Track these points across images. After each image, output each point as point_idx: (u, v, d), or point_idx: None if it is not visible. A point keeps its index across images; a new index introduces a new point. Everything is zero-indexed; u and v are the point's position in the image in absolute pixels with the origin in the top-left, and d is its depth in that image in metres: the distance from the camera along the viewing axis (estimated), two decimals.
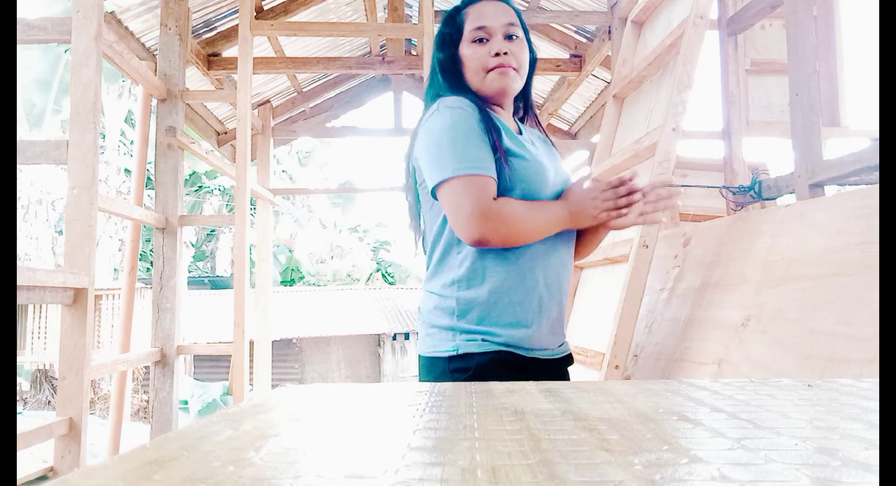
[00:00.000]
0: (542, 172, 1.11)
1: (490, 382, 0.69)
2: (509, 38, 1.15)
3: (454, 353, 1.06)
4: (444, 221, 1.10)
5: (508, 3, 1.20)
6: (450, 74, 1.17)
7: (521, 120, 1.27)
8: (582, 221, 1.09)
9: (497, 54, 1.13)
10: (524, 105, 1.27)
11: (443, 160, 1.05)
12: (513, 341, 1.07)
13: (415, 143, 1.14)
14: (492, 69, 1.13)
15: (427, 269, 1.16)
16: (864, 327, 1.16)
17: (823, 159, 2.00)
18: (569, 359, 1.20)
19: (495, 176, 1.05)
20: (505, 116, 1.20)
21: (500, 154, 1.06)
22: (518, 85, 1.17)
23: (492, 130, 1.08)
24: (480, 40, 1.14)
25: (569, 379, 1.19)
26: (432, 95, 1.19)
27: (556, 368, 1.14)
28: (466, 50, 1.16)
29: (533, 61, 1.22)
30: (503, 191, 1.07)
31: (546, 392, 0.60)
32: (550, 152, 1.22)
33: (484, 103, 1.15)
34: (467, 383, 0.69)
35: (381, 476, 0.32)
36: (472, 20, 1.16)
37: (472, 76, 1.16)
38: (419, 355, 1.15)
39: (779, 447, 0.37)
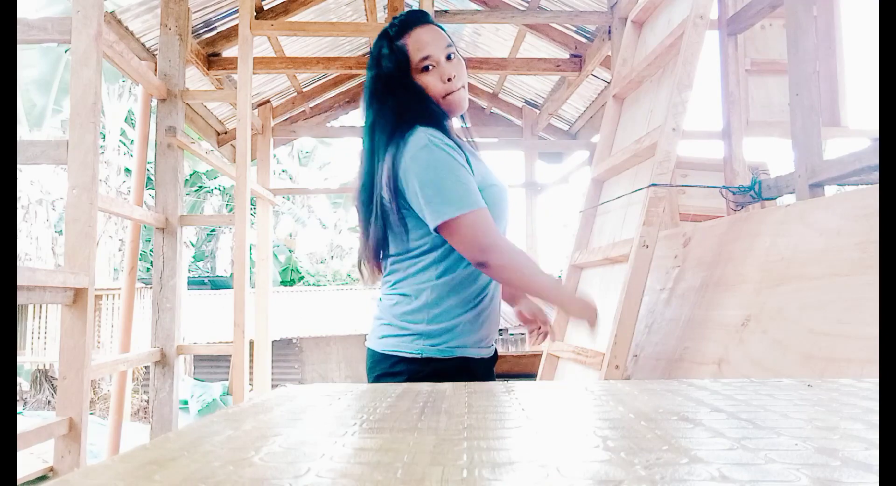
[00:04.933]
0: (504, 197, 1.31)
1: (481, 382, 0.69)
2: (448, 58, 1.26)
3: (418, 356, 1.21)
4: (434, 239, 1.23)
5: (435, 24, 1.30)
6: (414, 102, 1.25)
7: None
8: (567, 304, 1.45)
9: (449, 79, 1.25)
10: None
11: (451, 196, 1.18)
12: (470, 353, 1.25)
13: (403, 172, 1.21)
14: (448, 94, 1.26)
15: (392, 271, 1.29)
16: (864, 327, 1.16)
17: (823, 159, 2.00)
18: (496, 356, 1.39)
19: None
20: (456, 129, 1.34)
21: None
22: (467, 101, 1.31)
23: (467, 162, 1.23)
24: (426, 68, 1.25)
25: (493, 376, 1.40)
26: (400, 124, 1.24)
27: (490, 365, 1.36)
28: (420, 78, 1.26)
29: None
30: None
31: (546, 392, 0.60)
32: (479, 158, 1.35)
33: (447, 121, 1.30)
34: (467, 383, 0.69)
35: (382, 476, 0.32)
36: (414, 50, 1.25)
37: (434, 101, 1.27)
38: (370, 349, 1.28)
39: (779, 447, 0.37)
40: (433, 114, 1.25)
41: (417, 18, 1.28)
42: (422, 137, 1.20)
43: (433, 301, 1.22)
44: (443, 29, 1.30)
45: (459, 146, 1.25)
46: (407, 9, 4.89)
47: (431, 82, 1.25)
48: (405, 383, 0.70)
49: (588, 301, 1.48)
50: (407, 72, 1.25)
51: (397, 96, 1.26)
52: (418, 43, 1.25)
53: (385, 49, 1.26)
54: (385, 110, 1.26)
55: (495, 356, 1.38)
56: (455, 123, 1.35)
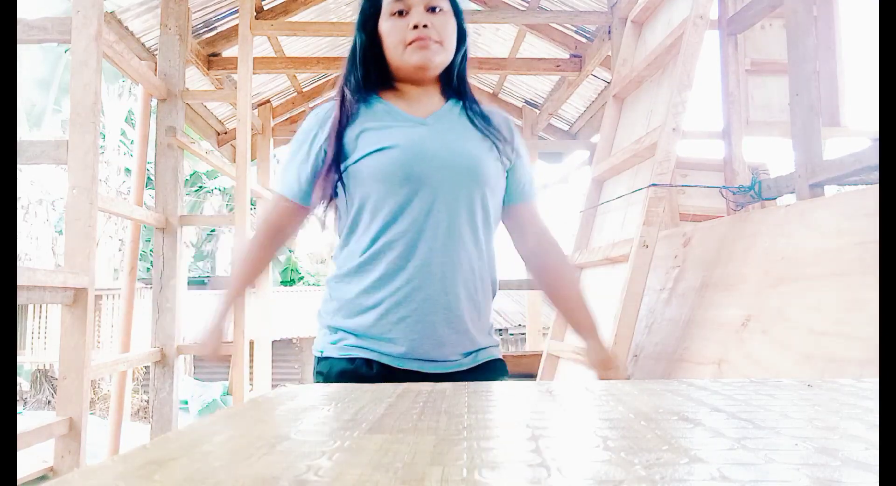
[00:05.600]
0: (394, 160, 1.03)
1: (481, 382, 0.69)
2: (432, 10, 1.07)
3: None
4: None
5: None
6: (367, 56, 1.11)
7: (459, 98, 1.15)
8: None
9: (416, 27, 1.05)
10: (458, 82, 1.16)
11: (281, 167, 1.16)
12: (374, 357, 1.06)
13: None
14: (411, 43, 1.06)
15: None
16: (864, 327, 1.16)
17: (823, 159, 1.99)
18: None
19: (293, 196, 1.13)
20: (423, 96, 1.13)
21: (328, 164, 1.07)
22: (441, 59, 1.09)
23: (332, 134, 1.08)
24: (400, 13, 1.07)
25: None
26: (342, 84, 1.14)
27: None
28: (385, 24, 1.08)
29: (462, 35, 1.13)
30: (351, 197, 1.08)
31: (546, 392, 0.60)
32: (464, 131, 1.10)
33: (396, 82, 1.12)
34: (466, 383, 0.69)
35: (382, 476, 0.32)
36: None
37: (392, 52, 1.09)
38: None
39: (779, 447, 0.37)
40: (358, 76, 1.11)
41: None
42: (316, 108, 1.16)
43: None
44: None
45: (356, 111, 1.08)
46: None
47: (395, 27, 1.07)
48: (405, 383, 0.70)
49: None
50: (374, 17, 1.10)
51: (351, 49, 1.14)
52: None
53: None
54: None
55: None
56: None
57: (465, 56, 1.15)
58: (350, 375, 1.03)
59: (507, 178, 1.14)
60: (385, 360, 1.03)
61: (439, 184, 1.03)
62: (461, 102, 1.14)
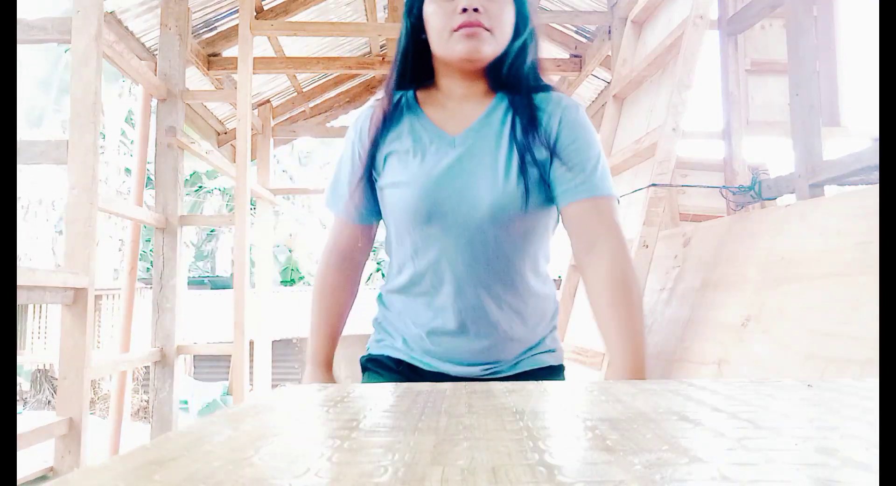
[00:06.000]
0: (406, 197, 0.95)
1: (487, 382, 0.69)
2: None
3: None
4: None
5: None
6: (410, 45, 0.99)
7: (512, 95, 0.99)
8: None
9: (465, 10, 0.91)
10: (508, 77, 0.99)
11: (328, 186, 1.08)
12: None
13: None
14: (457, 29, 0.92)
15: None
16: (864, 327, 1.16)
17: (823, 159, 2.00)
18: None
19: (350, 219, 1.05)
20: (466, 94, 1.00)
21: (360, 183, 1.01)
22: (491, 49, 0.94)
23: (368, 154, 1.00)
24: None
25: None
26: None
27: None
28: (430, 6, 0.95)
29: (524, 22, 0.98)
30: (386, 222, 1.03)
31: (546, 392, 0.60)
32: (494, 151, 0.95)
33: (440, 76, 1.01)
34: (465, 383, 0.69)
35: (382, 476, 0.32)
36: None
37: (436, 39, 0.96)
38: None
39: (779, 447, 0.37)
40: (401, 73, 1.01)
41: None
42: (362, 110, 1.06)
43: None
44: None
45: (388, 124, 0.99)
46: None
47: (440, 10, 0.93)
48: (404, 384, 0.70)
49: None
50: (421, 3, 0.97)
51: (398, 39, 1.02)
52: None
53: None
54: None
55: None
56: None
57: (524, 48, 0.98)
58: (376, 361, 1.05)
59: (552, 175, 0.95)
60: (416, 363, 1.02)
61: (454, 223, 0.95)
62: (507, 99, 0.99)
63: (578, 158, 0.94)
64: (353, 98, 5.90)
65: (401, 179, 0.96)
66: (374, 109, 1.02)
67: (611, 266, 0.90)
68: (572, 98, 0.99)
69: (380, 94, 1.03)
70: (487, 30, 0.92)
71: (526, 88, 0.98)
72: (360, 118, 1.04)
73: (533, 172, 0.94)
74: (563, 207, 0.95)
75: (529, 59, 0.99)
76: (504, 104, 0.99)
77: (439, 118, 0.99)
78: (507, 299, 0.99)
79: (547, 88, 1.00)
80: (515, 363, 1.02)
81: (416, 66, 1.01)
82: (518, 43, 0.97)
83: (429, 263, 0.98)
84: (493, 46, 0.94)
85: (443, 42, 0.94)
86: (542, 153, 0.95)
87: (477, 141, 0.96)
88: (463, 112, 0.99)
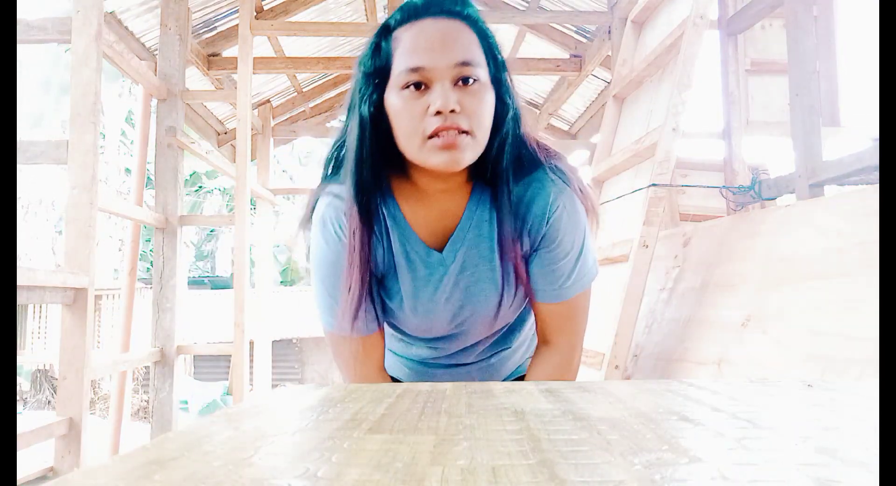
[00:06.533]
0: (404, 324, 0.95)
1: (489, 382, 0.69)
2: (464, 82, 0.78)
3: None
4: None
5: (466, 17, 0.81)
6: (372, 141, 0.82)
7: (494, 186, 0.87)
8: None
9: (439, 112, 0.76)
10: (492, 172, 0.85)
11: (321, 308, 0.92)
12: None
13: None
14: (431, 136, 0.77)
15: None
16: (864, 327, 1.16)
17: (823, 159, 2.00)
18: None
19: (369, 328, 0.92)
20: (444, 191, 0.87)
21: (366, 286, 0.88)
22: (473, 155, 0.80)
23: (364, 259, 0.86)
24: (417, 86, 0.77)
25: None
26: (331, 167, 0.91)
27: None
28: (394, 99, 0.79)
29: (506, 108, 0.83)
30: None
31: (546, 392, 0.60)
32: (486, 252, 0.89)
33: (410, 168, 0.86)
34: (465, 383, 0.69)
35: (382, 476, 0.32)
36: (403, 53, 0.79)
37: (405, 143, 0.80)
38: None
39: (779, 447, 0.37)
40: (359, 182, 0.83)
41: (432, 4, 0.80)
42: (321, 207, 0.88)
43: None
44: (486, 32, 0.83)
45: (370, 218, 0.85)
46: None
47: (409, 109, 0.77)
48: (404, 384, 0.70)
49: None
50: (380, 85, 0.81)
51: (348, 121, 0.85)
52: (414, 41, 0.78)
53: (371, 46, 0.83)
54: (334, 141, 0.91)
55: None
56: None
57: (505, 141, 0.84)
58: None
59: (531, 267, 0.91)
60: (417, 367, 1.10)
61: (457, 335, 0.98)
62: (489, 192, 0.88)
63: (558, 265, 0.89)
64: None
65: (393, 295, 0.92)
66: (343, 209, 0.86)
67: (559, 362, 0.95)
68: (562, 178, 0.88)
69: (351, 199, 0.85)
70: (466, 132, 0.77)
71: (508, 179, 0.86)
72: (329, 220, 0.87)
73: (523, 273, 0.91)
74: (534, 301, 0.93)
75: (514, 149, 0.86)
76: (486, 199, 0.89)
77: (419, 220, 0.90)
78: (495, 339, 1.04)
79: (534, 166, 0.88)
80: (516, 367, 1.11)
81: (376, 169, 0.83)
82: (499, 138, 0.83)
83: (420, 340, 1.03)
84: (474, 151, 0.80)
85: (413, 148, 0.79)
86: (526, 245, 0.90)
87: (468, 252, 0.90)
88: (442, 209, 0.89)
